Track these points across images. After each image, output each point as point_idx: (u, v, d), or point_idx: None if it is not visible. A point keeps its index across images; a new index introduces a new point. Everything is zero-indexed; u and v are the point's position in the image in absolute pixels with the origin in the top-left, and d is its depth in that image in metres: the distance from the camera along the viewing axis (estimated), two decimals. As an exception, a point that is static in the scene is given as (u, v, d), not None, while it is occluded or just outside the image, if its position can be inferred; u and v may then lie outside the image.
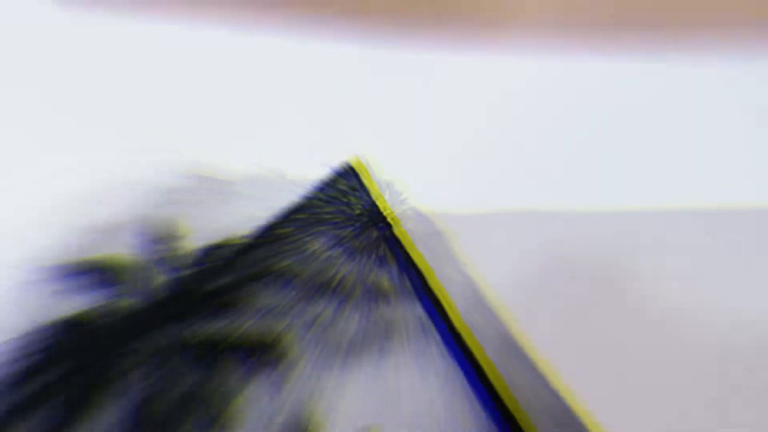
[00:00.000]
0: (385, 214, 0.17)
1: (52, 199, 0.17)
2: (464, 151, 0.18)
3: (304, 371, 0.15)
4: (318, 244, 0.17)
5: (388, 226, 0.17)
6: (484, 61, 0.19)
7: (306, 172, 0.18)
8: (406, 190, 0.17)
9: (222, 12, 0.20)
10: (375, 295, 0.16)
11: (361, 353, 0.15)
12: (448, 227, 0.16)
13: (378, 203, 0.17)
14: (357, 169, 0.17)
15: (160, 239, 0.16)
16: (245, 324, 0.15)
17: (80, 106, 0.19)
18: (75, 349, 0.14)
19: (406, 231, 0.16)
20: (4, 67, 0.19)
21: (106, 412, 0.14)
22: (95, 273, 0.16)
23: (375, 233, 0.17)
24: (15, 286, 0.15)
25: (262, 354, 0.15)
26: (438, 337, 0.15)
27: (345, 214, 0.17)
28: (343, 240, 0.16)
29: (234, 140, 0.18)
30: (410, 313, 0.15)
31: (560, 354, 0.14)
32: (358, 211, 0.17)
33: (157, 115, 0.19)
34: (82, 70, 0.19)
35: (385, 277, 0.16)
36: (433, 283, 0.15)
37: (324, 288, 0.16)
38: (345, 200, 0.17)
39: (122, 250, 0.16)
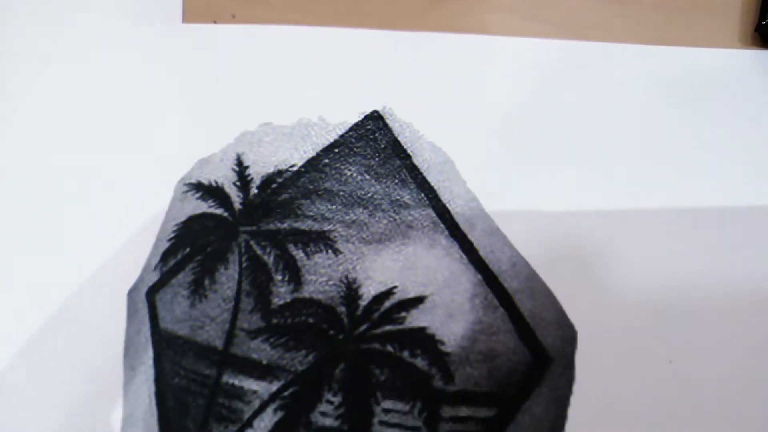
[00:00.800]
0: (404, 147, 0.22)
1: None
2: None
3: (347, 253, 0.20)
4: (352, 170, 0.22)
5: (408, 156, 0.22)
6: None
7: (342, 118, 0.23)
8: (423, 129, 0.23)
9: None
10: (398, 205, 0.21)
11: (388, 241, 0.20)
12: (457, 158, 0.22)
13: (399, 139, 0.22)
14: (382, 115, 0.23)
15: (246, 168, 0.22)
16: (304, 223, 0.21)
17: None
18: (199, 233, 0.20)
19: (422, 159, 0.22)
20: (142, 82, 0.25)
21: (222, 273, 0.19)
22: (208, 190, 0.22)
23: (397, 162, 0.22)
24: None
25: (316, 241, 0.20)
26: (444, 230, 0.20)
27: (372, 147, 0.22)
28: (371, 167, 0.22)
29: (288, 99, 0.24)
30: (425, 216, 0.21)
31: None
32: (382, 145, 0.22)
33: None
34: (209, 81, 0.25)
35: (406, 193, 0.21)
36: (442, 195, 0.21)
37: (358, 201, 0.21)
38: (372, 137, 0.23)
39: (222, 177, 0.22)
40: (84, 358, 0.19)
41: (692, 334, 0.19)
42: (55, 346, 0.20)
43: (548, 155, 0.22)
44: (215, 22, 0.26)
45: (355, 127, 0.23)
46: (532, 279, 0.19)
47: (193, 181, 0.22)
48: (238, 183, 0.22)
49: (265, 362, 0.18)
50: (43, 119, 0.25)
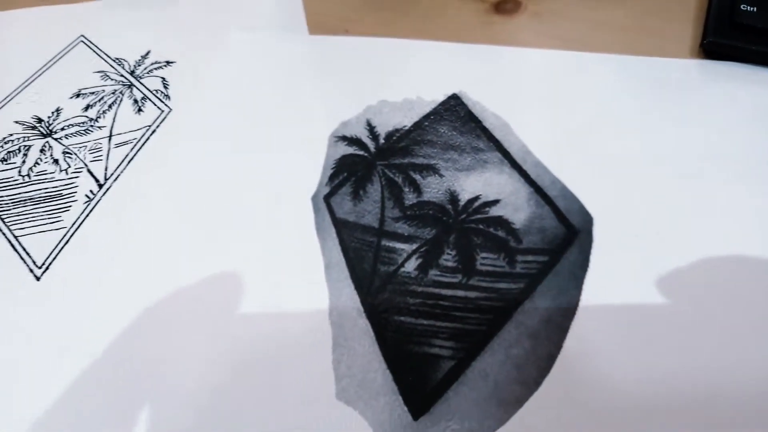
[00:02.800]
0: (476, 115, 0.35)
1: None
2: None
3: (447, 176, 0.32)
4: (444, 129, 0.34)
5: (479, 121, 0.35)
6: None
7: (433, 97, 0.36)
8: (486, 104, 0.35)
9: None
10: (476, 149, 0.33)
11: (473, 170, 0.32)
12: (510, 122, 0.34)
13: (471, 110, 0.35)
14: (460, 96, 0.35)
15: (374, 128, 0.34)
16: (417, 159, 0.33)
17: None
18: (351, 165, 0.32)
19: (488, 123, 0.34)
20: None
21: (369, 187, 0.31)
22: (351, 140, 0.34)
23: (472, 124, 0.34)
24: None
25: (427, 170, 0.32)
26: (507, 163, 0.33)
27: (455, 115, 0.35)
28: (456, 127, 0.34)
29: (395, 85, 0.36)
30: (494, 156, 0.33)
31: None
32: (462, 114, 0.35)
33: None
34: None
35: (481, 143, 0.34)
36: (503, 144, 0.33)
37: (450, 147, 0.34)
38: (454, 109, 0.35)
39: (359, 133, 0.34)
40: (290, 233, 0.30)
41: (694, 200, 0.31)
42: (268, 234, 0.31)
43: (560, 130, 0.34)
44: (334, 34, 0.39)
45: (443, 103, 0.35)
46: (563, 189, 0.31)
47: (340, 135, 0.34)
48: (369, 136, 0.34)
49: (406, 234, 0.30)
50: (218, 110, 0.36)
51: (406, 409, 0.25)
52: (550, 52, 0.38)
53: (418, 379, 0.26)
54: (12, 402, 0.26)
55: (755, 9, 0.34)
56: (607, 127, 0.33)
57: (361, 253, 0.29)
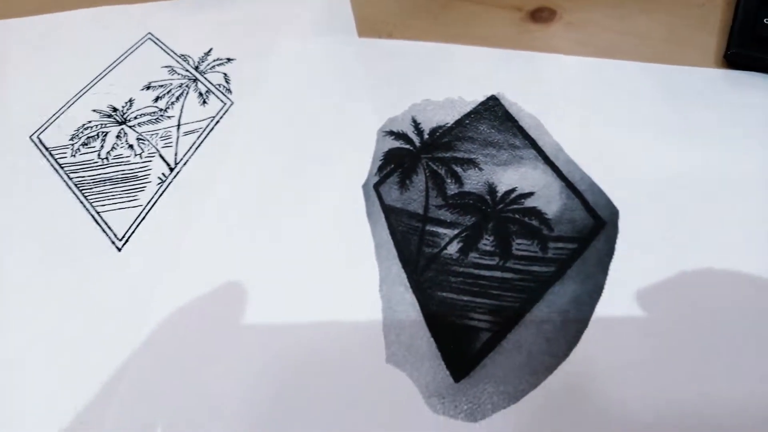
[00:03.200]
0: (513, 115, 0.38)
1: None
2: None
3: (486, 170, 0.35)
4: (483, 127, 0.38)
5: (515, 120, 0.38)
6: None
7: (474, 98, 0.39)
8: (522, 105, 0.38)
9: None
10: (512, 146, 0.37)
11: (509, 165, 0.36)
12: (544, 121, 0.37)
13: (509, 110, 0.38)
14: (497, 97, 0.39)
15: (419, 124, 0.38)
16: (459, 154, 0.36)
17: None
18: (398, 157, 0.35)
19: (524, 122, 0.37)
20: (342, 77, 0.40)
21: (414, 178, 0.35)
22: (398, 135, 0.37)
23: (509, 123, 0.38)
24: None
25: (468, 163, 0.36)
26: (541, 160, 0.36)
27: (493, 114, 0.38)
28: (494, 125, 0.37)
29: (438, 86, 0.40)
30: (529, 153, 0.36)
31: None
32: (499, 114, 0.38)
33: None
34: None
35: (517, 140, 0.37)
36: (537, 142, 0.37)
37: (489, 143, 0.37)
38: (493, 109, 0.38)
39: (405, 128, 0.37)
40: (343, 217, 0.34)
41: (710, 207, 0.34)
42: (323, 218, 0.34)
43: (589, 135, 0.37)
44: (380, 37, 0.42)
45: (482, 103, 0.38)
46: (592, 185, 0.34)
47: (387, 130, 0.38)
48: (414, 132, 0.37)
49: (448, 220, 0.33)
50: (277, 113, 0.40)
51: (448, 372, 0.28)
52: (582, 59, 0.41)
53: (459, 347, 0.29)
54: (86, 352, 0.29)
55: (776, 23, 0.37)
56: (633, 130, 0.36)
57: (408, 236, 0.32)
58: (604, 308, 0.29)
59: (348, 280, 0.31)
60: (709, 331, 0.28)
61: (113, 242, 0.33)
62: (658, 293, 0.29)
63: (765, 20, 0.37)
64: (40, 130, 0.39)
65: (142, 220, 0.34)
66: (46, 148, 0.38)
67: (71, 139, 0.38)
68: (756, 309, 0.28)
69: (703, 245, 0.31)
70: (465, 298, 0.30)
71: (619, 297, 0.29)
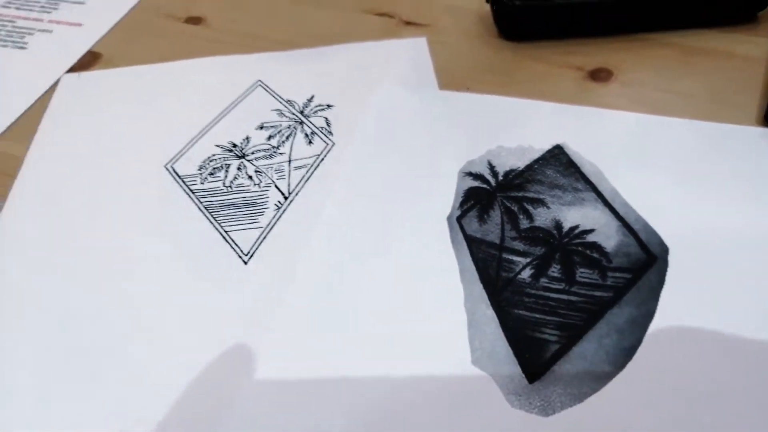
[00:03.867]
0: (575, 162, 0.44)
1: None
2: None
3: (554, 208, 0.42)
4: (550, 172, 0.44)
5: (578, 167, 0.44)
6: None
7: (542, 146, 0.45)
8: (584, 154, 0.45)
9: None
10: (575, 189, 0.43)
11: (572, 205, 0.42)
12: (603, 169, 0.44)
13: (572, 158, 0.44)
14: (562, 146, 0.45)
15: (494, 167, 0.44)
16: (529, 193, 0.43)
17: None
18: (476, 195, 0.42)
19: (585, 169, 0.44)
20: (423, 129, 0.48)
21: (491, 213, 0.41)
22: (475, 176, 0.44)
23: (572, 169, 0.44)
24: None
25: (537, 202, 0.42)
26: (600, 201, 0.42)
27: (558, 161, 0.44)
28: (559, 171, 0.44)
29: (511, 135, 0.46)
30: (590, 195, 0.42)
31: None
32: (564, 161, 0.44)
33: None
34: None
35: (579, 184, 0.43)
36: (597, 186, 0.43)
37: (555, 186, 0.43)
38: (557, 157, 0.45)
39: (481, 170, 0.44)
40: (431, 245, 0.40)
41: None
42: (413, 246, 0.41)
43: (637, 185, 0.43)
44: (459, 90, 0.49)
45: (549, 151, 0.45)
46: (646, 225, 0.40)
47: (466, 171, 0.44)
48: (490, 173, 0.44)
49: (521, 250, 0.39)
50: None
51: (523, 376, 0.34)
52: (635, 115, 0.47)
53: (532, 356, 0.35)
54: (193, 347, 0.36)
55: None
56: (681, 179, 0.42)
57: (487, 262, 0.39)
58: (654, 329, 0.35)
59: (435, 298, 0.37)
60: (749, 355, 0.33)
61: (240, 256, 0.40)
62: (704, 320, 0.35)
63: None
64: (173, 160, 0.47)
65: (263, 240, 0.41)
66: (179, 176, 0.46)
67: (199, 169, 0.46)
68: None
69: (733, 293, 0.36)
70: (537, 315, 0.36)
71: (668, 320, 0.35)
